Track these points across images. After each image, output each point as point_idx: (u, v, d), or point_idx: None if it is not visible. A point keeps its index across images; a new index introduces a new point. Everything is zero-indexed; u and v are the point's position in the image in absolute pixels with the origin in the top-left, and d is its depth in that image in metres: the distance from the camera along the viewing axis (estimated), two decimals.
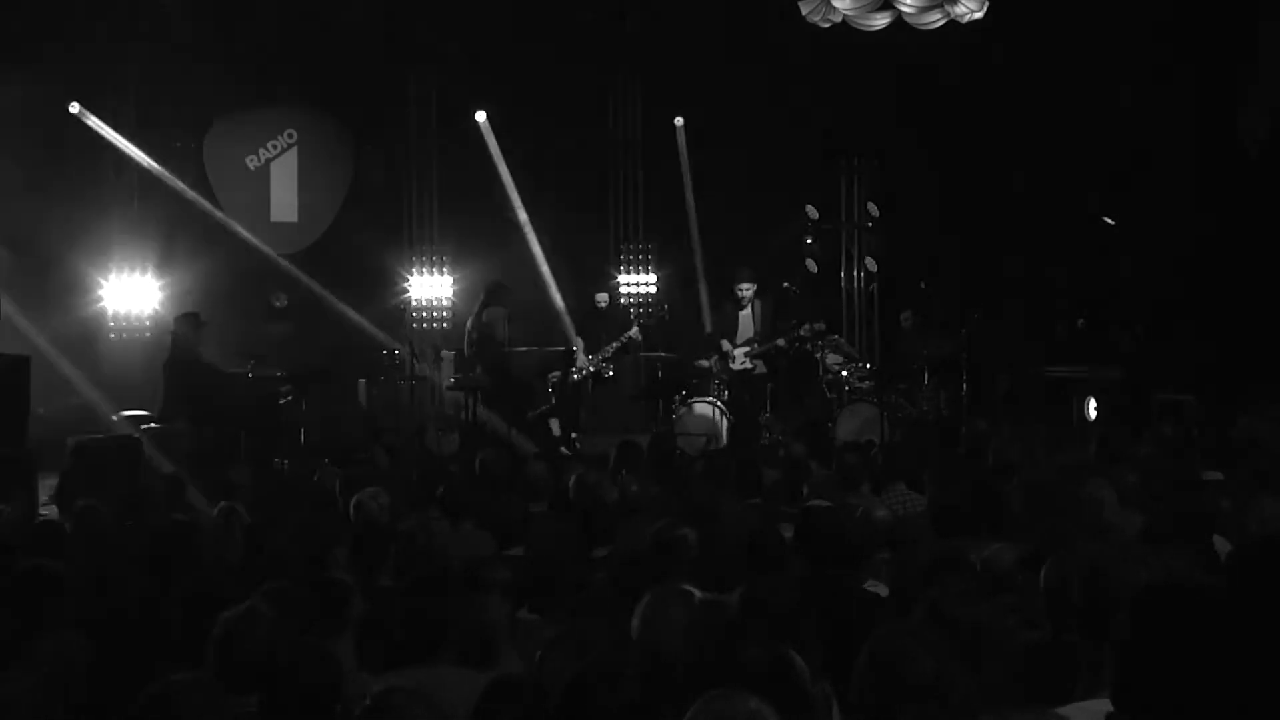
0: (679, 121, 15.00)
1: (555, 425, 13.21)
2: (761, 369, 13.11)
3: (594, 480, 7.34)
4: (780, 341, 12.97)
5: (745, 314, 13.09)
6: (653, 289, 15.74)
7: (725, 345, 13.07)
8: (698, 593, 4.70)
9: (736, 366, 13.02)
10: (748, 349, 13.03)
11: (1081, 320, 13.61)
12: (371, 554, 5.76)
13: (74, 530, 6.52)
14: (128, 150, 14.00)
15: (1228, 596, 1.93)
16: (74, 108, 13.69)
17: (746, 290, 13.00)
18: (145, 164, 14.05)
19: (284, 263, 14.38)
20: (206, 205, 14.39)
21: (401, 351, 14.04)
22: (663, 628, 4.08)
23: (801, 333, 12.97)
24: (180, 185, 14.19)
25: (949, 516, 5.97)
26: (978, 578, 4.49)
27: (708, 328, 14.16)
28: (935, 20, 12.27)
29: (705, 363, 13.30)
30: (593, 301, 13.84)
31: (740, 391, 12.95)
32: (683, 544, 5.49)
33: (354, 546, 5.87)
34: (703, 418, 12.69)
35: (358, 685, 3.93)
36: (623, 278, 15.70)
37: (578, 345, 13.53)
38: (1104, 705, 2.74)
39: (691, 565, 5.26)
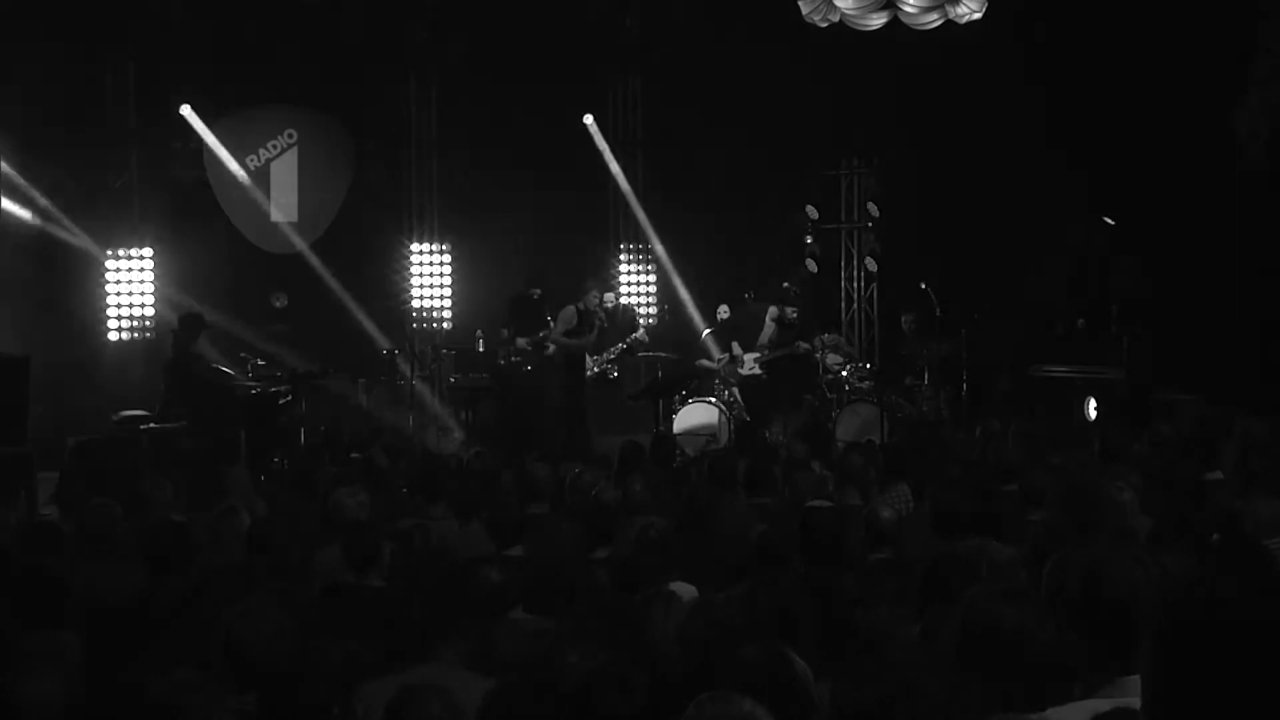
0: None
1: None
2: (759, 371, 13.17)
3: (592, 480, 7.35)
4: (801, 348, 12.99)
5: (772, 326, 13.13)
6: (653, 289, 15.76)
7: (736, 349, 13.10)
8: (695, 592, 4.71)
9: (745, 371, 13.06)
10: (758, 355, 13.08)
11: (1081, 320, 13.60)
12: (363, 553, 5.75)
13: (73, 530, 6.51)
14: (128, 150, 14.03)
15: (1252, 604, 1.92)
16: (75, 108, 13.71)
17: (792, 314, 13.04)
18: (145, 164, 14.07)
19: (304, 251, 14.39)
20: (207, 205, 14.41)
21: (402, 351, 14.04)
22: (659, 628, 4.09)
23: (822, 343, 13.03)
24: (180, 185, 14.22)
25: (948, 518, 5.97)
26: (981, 578, 4.49)
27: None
28: (933, 20, 12.27)
29: (709, 363, 13.31)
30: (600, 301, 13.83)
31: (751, 394, 12.99)
32: (680, 544, 5.50)
33: (343, 546, 5.85)
34: (703, 417, 12.70)
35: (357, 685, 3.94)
36: (623, 278, 15.71)
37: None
38: (1102, 705, 2.75)
39: (690, 565, 5.27)
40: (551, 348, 12.96)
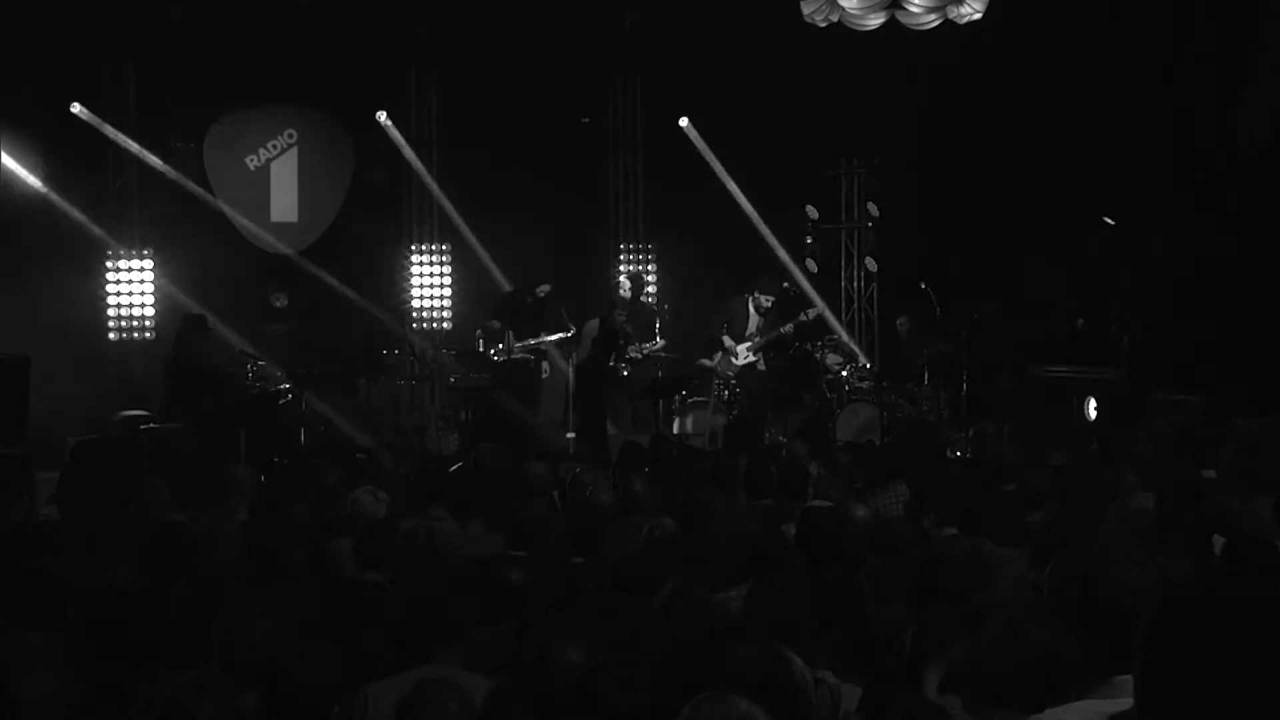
0: (684, 121, 15.05)
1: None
2: (762, 365, 13.16)
3: (590, 480, 7.35)
4: (785, 328, 12.98)
5: (755, 316, 13.19)
6: (653, 288, 15.75)
7: (728, 342, 13.09)
8: (700, 591, 4.70)
9: (740, 362, 13.05)
10: (749, 344, 13.07)
11: (1081, 320, 13.60)
12: (373, 551, 5.77)
13: (73, 530, 6.51)
14: (128, 150, 14.03)
15: (1242, 600, 1.92)
16: (75, 108, 13.72)
17: (766, 302, 13.05)
18: (145, 164, 14.09)
19: (297, 258, 14.45)
20: (207, 205, 14.42)
21: (402, 351, 14.05)
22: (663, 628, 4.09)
23: (802, 318, 13.01)
24: (180, 184, 14.24)
25: (945, 517, 5.97)
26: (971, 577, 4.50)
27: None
28: (932, 21, 12.28)
29: (708, 361, 13.31)
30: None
31: (750, 387, 12.99)
32: (677, 544, 5.50)
33: (357, 543, 5.88)
34: (703, 417, 12.71)
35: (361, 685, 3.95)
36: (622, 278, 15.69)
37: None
38: (1101, 705, 2.75)
39: (687, 565, 5.27)
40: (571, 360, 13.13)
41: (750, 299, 13.12)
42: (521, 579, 4.67)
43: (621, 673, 3.29)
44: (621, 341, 12.98)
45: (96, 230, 13.99)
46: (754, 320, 13.15)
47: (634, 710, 3.24)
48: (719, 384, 13.15)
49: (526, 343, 13.29)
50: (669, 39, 14.78)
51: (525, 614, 4.52)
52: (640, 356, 13.26)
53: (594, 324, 13.04)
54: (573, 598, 4.99)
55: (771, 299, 13.05)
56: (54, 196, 13.54)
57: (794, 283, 13.69)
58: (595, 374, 12.90)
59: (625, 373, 13.39)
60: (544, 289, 13.42)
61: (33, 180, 13.42)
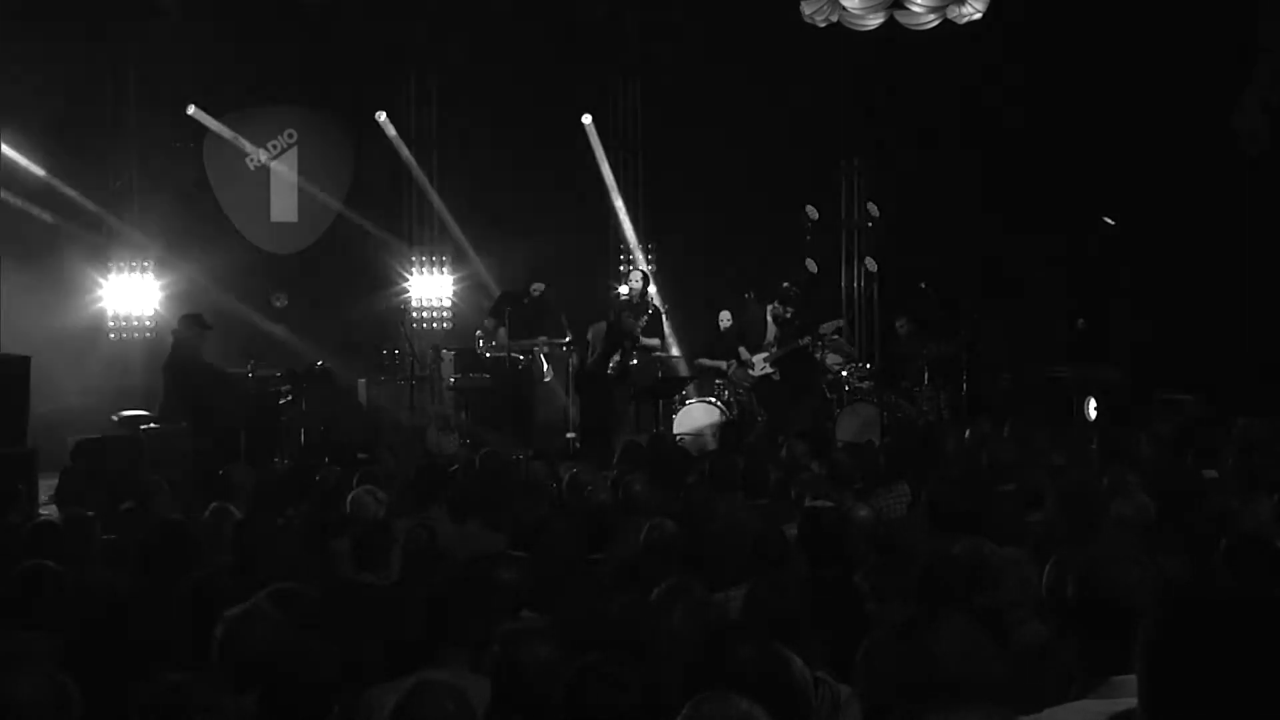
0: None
1: None
2: (777, 376, 13.22)
3: (589, 480, 7.36)
4: (803, 340, 13.03)
5: (773, 326, 13.23)
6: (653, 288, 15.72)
7: (744, 353, 13.11)
8: (699, 591, 4.70)
9: (757, 373, 13.10)
10: (766, 355, 13.11)
11: (1081, 320, 13.61)
12: (372, 552, 5.76)
13: (72, 530, 6.50)
14: (127, 150, 14.03)
15: (1244, 600, 1.91)
16: (75, 108, 13.72)
17: (786, 313, 13.07)
18: (144, 164, 14.08)
19: (296, 258, 14.46)
20: (206, 205, 14.42)
21: (401, 351, 14.04)
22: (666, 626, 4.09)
23: (822, 330, 13.04)
24: (180, 185, 14.23)
25: (944, 517, 5.96)
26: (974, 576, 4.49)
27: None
28: (932, 21, 12.28)
29: (721, 364, 13.32)
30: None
31: (765, 397, 13.02)
32: (676, 544, 5.50)
33: (355, 544, 5.87)
34: (704, 418, 12.71)
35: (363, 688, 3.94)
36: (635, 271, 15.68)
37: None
38: (1101, 705, 2.75)
39: (686, 565, 5.27)
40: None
41: (770, 309, 13.16)
42: (513, 577, 4.66)
43: (610, 672, 3.29)
44: (627, 343, 12.98)
45: (95, 231, 14.01)
46: (771, 330, 13.20)
47: (627, 709, 3.24)
48: (721, 385, 13.15)
49: (521, 342, 13.29)
50: (669, 39, 14.78)
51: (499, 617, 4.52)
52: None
53: (601, 326, 13.07)
54: (571, 598, 4.98)
55: (791, 310, 13.10)
56: (58, 182, 13.53)
57: (794, 282, 13.67)
58: (600, 375, 12.91)
59: (635, 362, 13.39)
60: (538, 288, 13.42)
61: (36, 170, 13.42)
